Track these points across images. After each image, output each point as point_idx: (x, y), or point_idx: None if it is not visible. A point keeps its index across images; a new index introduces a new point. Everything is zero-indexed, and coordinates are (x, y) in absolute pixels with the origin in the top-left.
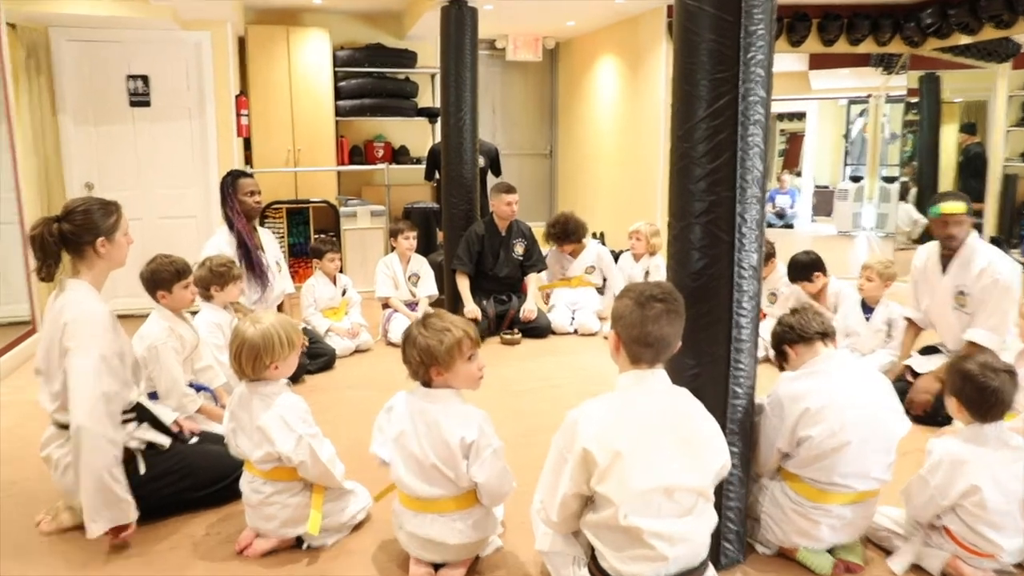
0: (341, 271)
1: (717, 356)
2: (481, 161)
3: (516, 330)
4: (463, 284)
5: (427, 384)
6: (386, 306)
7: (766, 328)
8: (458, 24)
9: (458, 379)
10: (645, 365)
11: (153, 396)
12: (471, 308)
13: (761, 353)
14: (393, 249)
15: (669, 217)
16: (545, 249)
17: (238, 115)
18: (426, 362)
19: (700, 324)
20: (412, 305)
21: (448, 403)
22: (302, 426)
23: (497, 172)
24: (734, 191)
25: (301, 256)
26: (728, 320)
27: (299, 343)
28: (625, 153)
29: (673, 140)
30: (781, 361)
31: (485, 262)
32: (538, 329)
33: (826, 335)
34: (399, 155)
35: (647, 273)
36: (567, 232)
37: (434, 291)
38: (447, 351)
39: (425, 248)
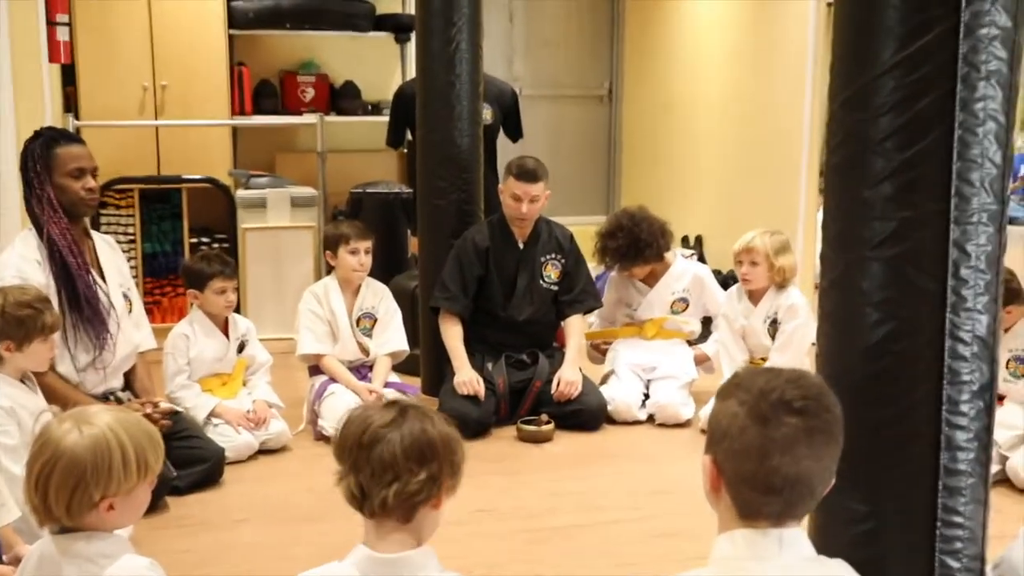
0: (237, 309)
1: (913, 502)
2: (487, 114)
3: (544, 415)
4: (452, 334)
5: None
6: (316, 371)
7: (1003, 419)
8: None
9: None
10: (765, 523)
11: None
12: (466, 377)
13: (995, 468)
14: (330, 270)
15: (824, 245)
16: (598, 271)
17: (52, 24)
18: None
19: (880, 442)
20: (362, 371)
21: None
22: None
23: (515, 132)
24: (947, 202)
25: (166, 277)
26: (934, 436)
27: (157, 466)
28: (744, 99)
29: (832, 107)
30: None
31: (492, 296)
32: (584, 413)
33: None
34: (342, 99)
35: (773, 324)
36: (637, 244)
37: (402, 346)
38: None
39: (385, 267)
